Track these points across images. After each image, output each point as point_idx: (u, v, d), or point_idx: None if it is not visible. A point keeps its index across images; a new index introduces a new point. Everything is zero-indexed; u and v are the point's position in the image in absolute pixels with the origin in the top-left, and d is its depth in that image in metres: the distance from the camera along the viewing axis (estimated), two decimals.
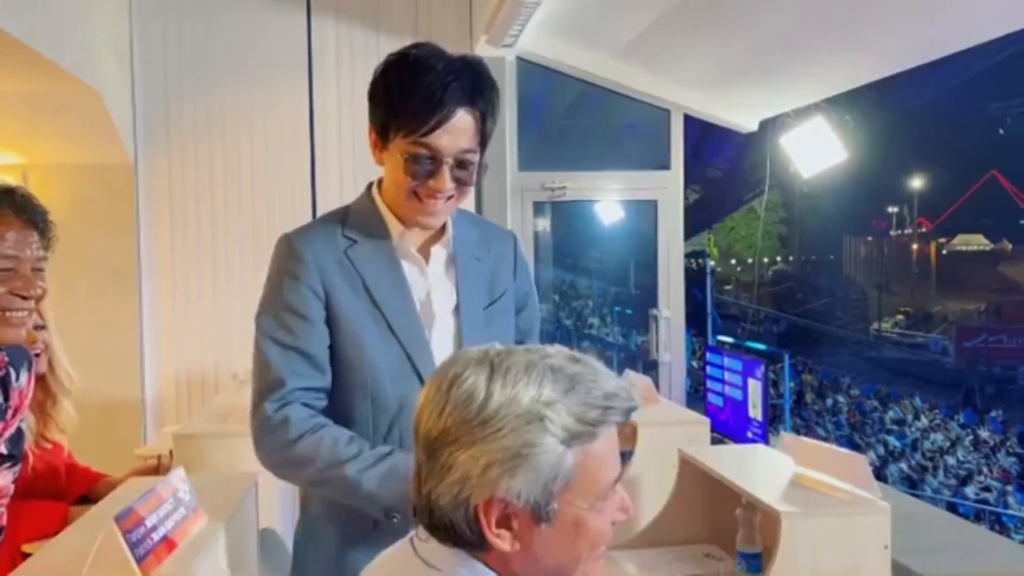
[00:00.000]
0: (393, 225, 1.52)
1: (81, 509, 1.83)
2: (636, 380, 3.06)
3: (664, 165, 5.01)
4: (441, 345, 1.52)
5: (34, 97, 3.84)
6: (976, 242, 42.97)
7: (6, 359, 1.42)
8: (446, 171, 1.42)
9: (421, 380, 1.44)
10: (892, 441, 17.84)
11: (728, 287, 34.25)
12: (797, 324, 31.07)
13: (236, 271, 4.55)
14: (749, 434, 4.44)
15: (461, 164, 1.43)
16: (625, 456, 2.64)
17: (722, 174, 19.15)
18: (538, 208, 5.04)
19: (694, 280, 7.12)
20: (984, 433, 19.74)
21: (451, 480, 0.86)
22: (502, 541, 0.88)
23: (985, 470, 16.62)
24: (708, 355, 5.15)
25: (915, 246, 43.12)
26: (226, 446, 2.19)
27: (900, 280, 42.11)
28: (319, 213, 4.53)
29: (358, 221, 1.53)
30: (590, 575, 0.93)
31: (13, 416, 1.43)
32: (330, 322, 1.46)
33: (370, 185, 1.58)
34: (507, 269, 1.64)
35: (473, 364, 0.90)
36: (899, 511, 1.70)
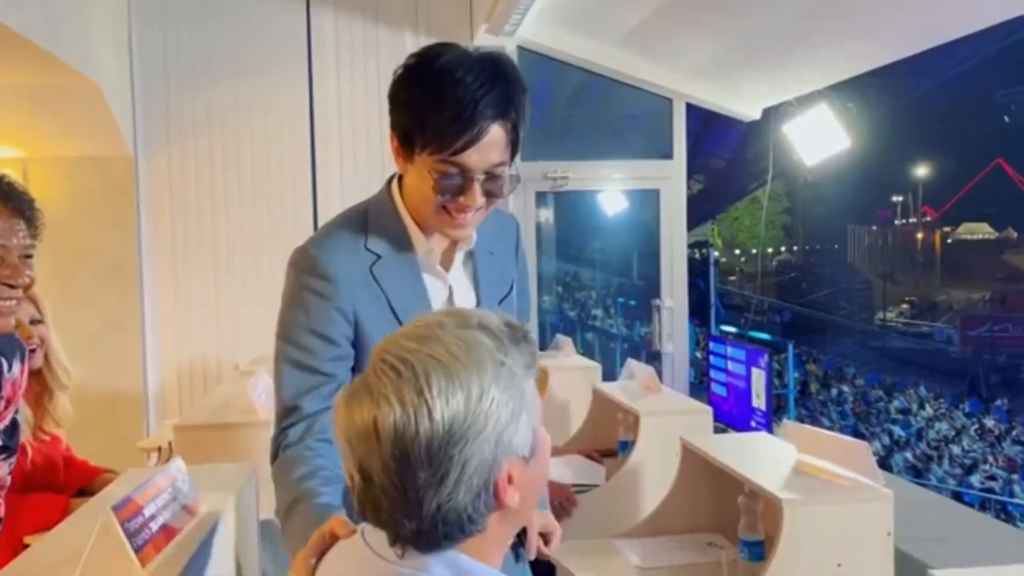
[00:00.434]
0: (417, 238, 1.44)
1: (81, 502, 1.83)
2: (638, 370, 3.05)
3: (666, 154, 4.99)
4: None
5: (34, 91, 3.84)
6: (981, 231, 42.83)
7: None
8: (477, 187, 1.34)
9: None
10: (897, 430, 17.84)
11: (732, 277, 34.20)
12: (801, 314, 31.04)
13: (237, 263, 4.55)
14: (753, 423, 4.43)
15: (492, 177, 1.35)
16: (626, 445, 2.64)
17: (725, 164, 19.11)
18: (540, 198, 5.03)
19: (697, 270, 7.10)
20: (989, 422, 19.74)
21: (469, 473, 0.84)
22: (511, 499, 0.88)
23: (990, 459, 16.62)
24: (711, 345, 5.14)
25: (920, 235, 43.00)
26: (226, 437, 2.19)
27: (905, 269, 42.02)
28: (319, 205, 4.53)
29: (380, 231, 1.44)
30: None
31: (7, 407, 1.43)
32: (356, 343, 1.40)
33: (390, 181, 1.49)
34: (511, 257, 1.61)
35: (410, 364, 0.85)
36: (904, 499, 1.70)
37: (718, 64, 4.69)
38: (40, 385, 2.00)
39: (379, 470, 0.83)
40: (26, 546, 1.75)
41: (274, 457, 1.38)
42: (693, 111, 5.09)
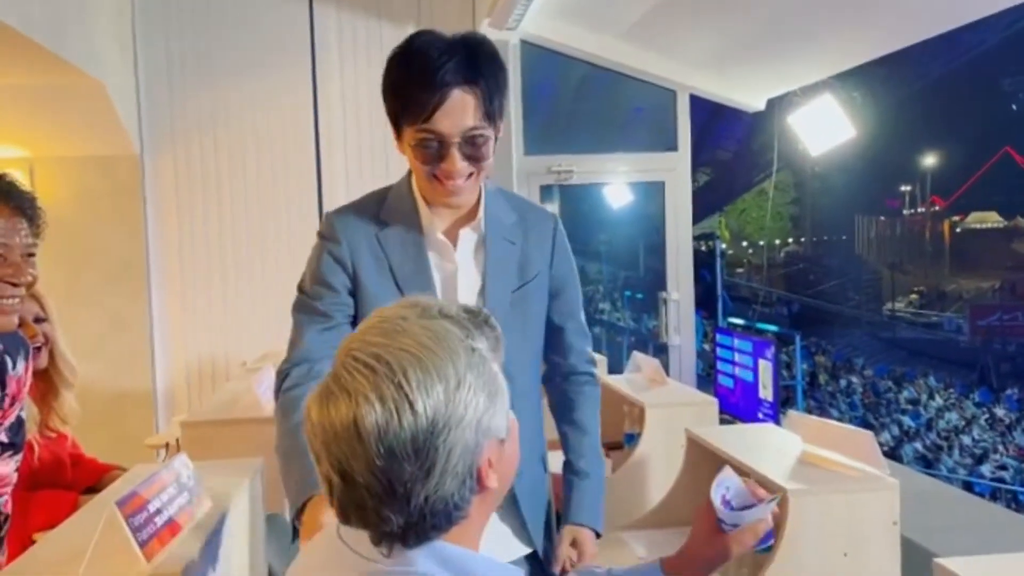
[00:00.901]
0: (423, 210, 1.56)
1: (90, 499, 1.84)
2: (644, 363, 3.05)
3: (671, 146, 4.98)
4: None
5: (38, 90, 3.85)
6: (990, 219, 42.56)
7: (1, 347, 1.42)
8: (455, 152, 1.43)
9: None
10: (907, 421, 17.79)
11: (740, 269, 34.13)
12: (810, 305, 30.96)
13: (244, 260, 4.56)
14: (760, 415, 4.42)
15: (469, 142, 1.44)
16: (632, 438, 2.64)
17: (732, 156, 19.07)
18: (545, 192, 5.03)
19: (704, 263, 7.08)
20: (1000, 411, 19.65)
21: (454, 461, 0.84)
22: (491, 480, 0.89)
23: (1001, 449, 16.55)
24: (718, 337, 5.13)
25: (928, 224, 42.79)
26: (233, 433, 2.20)
27: (913, 259, 41.82)
28: (324, 201, 4.55)
29: (393, 204, 1.59)
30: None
31: (11, 405, 1.44)
32: (355, 295, 1.55)
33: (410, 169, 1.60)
34: (543, 252, 1.64)
35: (383, 359, 0.85)
36: (911, 489, 1.69)
37: (721, 55, 4.67)
38: (46, 383, 2.01)
39: (363, 469, 0.83)
40: (35, 543, 1.76)
41: (277, 392, 1.51)
42: (698, 103, 5.08)
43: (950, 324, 32.03)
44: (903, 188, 42.88)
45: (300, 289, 1.59)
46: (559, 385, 1.73)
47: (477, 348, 0.88)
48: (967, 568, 1.22)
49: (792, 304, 30.41)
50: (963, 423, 18.44)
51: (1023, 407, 20.06)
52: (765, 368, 4.44)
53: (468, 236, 1.58)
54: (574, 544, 1.63)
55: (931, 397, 20.57)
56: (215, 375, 4.53)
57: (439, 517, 0.86)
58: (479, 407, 0.86)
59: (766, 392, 4.41)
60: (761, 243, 34.63)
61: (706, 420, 2.58)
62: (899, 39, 4.08)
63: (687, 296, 4.98)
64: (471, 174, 1.48)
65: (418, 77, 1.41)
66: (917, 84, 27.10)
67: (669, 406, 2.61)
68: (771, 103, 5.17)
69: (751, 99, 5.09)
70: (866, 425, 14.92)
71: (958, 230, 42.92)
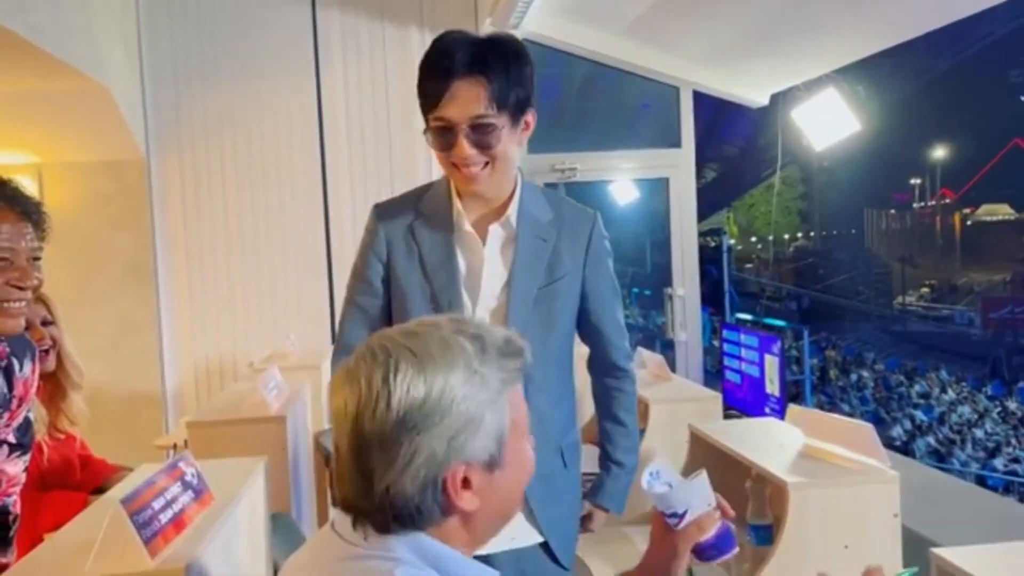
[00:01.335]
0: (456, 204, 1.63)
1: (99, 498, 1.86)
2: (648, 358, 3.06)
3: (675, 143, 4.98)
4: (485, 319, 1.58)
5: (44, 96, 3.88)
6: (1001, 212, 42.28)
7: (7, 349, 1.44)
8: (462, 138, 1.50)
9: None
10: (919, 415, 17.71)
11: (750, 265, 34.03)
12: (820, 299, 30.84)
13: (251, 261, 4.59)
14: (767, 410, 4.42)
15: (477, 129, 1.50)
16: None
17: (739, 151, 19.03)
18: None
19: (711, 258, 7.06)
20: (1012, 404, 19.54)
21: (417, 464, 0.88)
22: (466, 503, 0.91)
23: (1014, 442, 16.46)
24: (725, 332, 5.12)
25: (938, 218, 42.55)
26: (238, 432, 2.22)
27: (924, 252, 41.59)
28: (330, 202, 4.58)
29: (431, 197, 1.68)
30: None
31: (19, 406, 1.46)
32: (387, 285, 1.66)
33: None
34: (577, 251, 1.67)
35: (388, 352, 0.90)
36: (917, 482, 1.70)
37: (724, 50, 4.67)
38: (54, 385, 2.03)
39: (345, 446, 0.91)
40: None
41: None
42: (704, 100, 5.07)
43: (962, 317, 31.86)
44: (913, 181, 42.66)
45: (351, 275, 1.72)
46: (600, 380, 1.81)
47: (480, 371, 0.91)
48: (964, 558, 1.22)
49: (802, 299, 30.32)
50: (975, 417, 18.35)
51: None
52: (771, 363, 4.43)
53: (497, 231, 1.63)
54: (588, 517, 1.80)
55: (943, 391, 20.48)
56: (223, 376, 4.56)
57: (400, 513, 0.89)
58: (455, 423, 0.89)
59: (773, 387, 4.40)
60: (770, 238, 34.52)
61: (710, 415, 2.59)
62: (902, 32, 4.07)
63: (693, 292, 4.98)
64: (486, 163, 1.53)
65: (432, 69, 1.51)
66: (924, 77, 26.97)
67: (673, 402, 2.62)
68: (775, 98, 5.16)
69: (754, 94, 5.08)
70: (878, 420, 14.87)
71: (969, 223, 42.66)
